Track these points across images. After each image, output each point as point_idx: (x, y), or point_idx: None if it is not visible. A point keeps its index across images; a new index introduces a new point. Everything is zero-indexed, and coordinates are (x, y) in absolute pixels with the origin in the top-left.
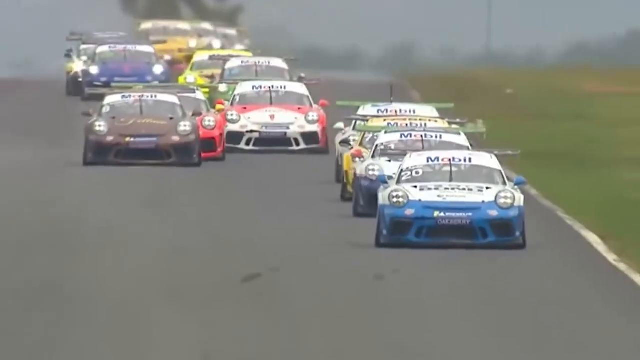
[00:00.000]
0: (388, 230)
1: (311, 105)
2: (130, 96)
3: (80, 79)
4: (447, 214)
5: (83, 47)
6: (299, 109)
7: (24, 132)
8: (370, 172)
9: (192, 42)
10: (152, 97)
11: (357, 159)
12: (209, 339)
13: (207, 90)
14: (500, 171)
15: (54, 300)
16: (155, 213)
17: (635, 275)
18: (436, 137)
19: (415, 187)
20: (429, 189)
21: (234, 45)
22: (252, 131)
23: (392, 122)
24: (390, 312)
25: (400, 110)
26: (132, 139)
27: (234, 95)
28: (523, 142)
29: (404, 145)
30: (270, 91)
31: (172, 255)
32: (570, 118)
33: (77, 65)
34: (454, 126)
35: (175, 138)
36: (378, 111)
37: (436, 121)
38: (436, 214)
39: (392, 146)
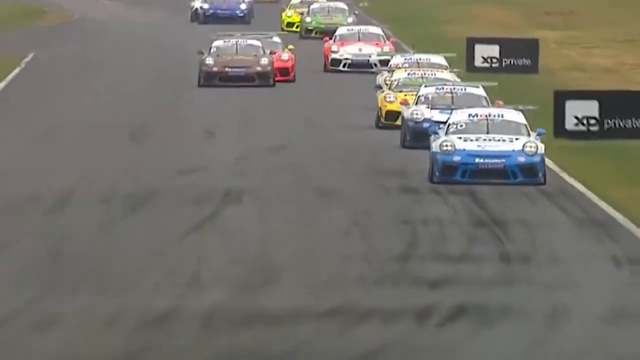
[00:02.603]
0: (439, 172)
1: (385, 41)
2: (229, 41)
3: (199, 11)
4: (486, 159)
5: None
6: (377, 44)
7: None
8: (415, 116)
9: None
10: (244, 42)
11: (404, 106)
12: None
13: (299, 21)
14: (525, 125)
15: None
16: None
17: None
18: (461, 89)
19: (460, 138)
20: (471, 140)
21: None
22: (346, 59)
23: (412, 72)
24: None
25: (420, 59)
26: (229, 69)
27: (335, 35)
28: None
29: (437, 96)
30: (358, 32)
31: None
32: None
33: (197, 3)
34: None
35: (258, 68)
36: (404, 59)
37: (442, 71)
38: (477, 159)
39: (430, 97)
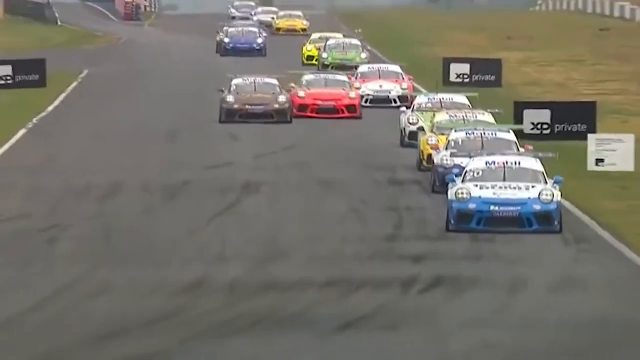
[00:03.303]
0: (455, 220)
1: (403, 78)
2: (247, 79)
3: (222, 44)
4: (501, 207)
5: (225, 28)
6: (396, 81)
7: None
8: (444, 162)
9: (307, 23)
10: (261, 80)
11: (435, 151)
12: None
13: (316, 55)
14: (542, 172)
15: None
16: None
17: None
18: (492, 134)
19: (476, 185)
20: (487, 187)
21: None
22: (368, 94)
23: (453, 115)
24: None
25: (443, 98)
26: (249, 107)
27: (357, 73)
28: None
29: (467, 140)
30: (379, 70)
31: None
32: None
33: (220, 37)
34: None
35: (276, 106)
36: (427, 99)
37: (483, 113)
38: (492, 207)
39: (460, 141)
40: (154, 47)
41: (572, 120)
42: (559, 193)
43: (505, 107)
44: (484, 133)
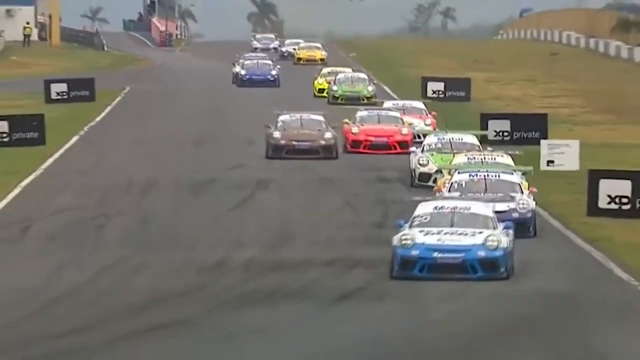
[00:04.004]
0: (398, 266)
1: (427, 115)
2: (294, 115)
3: (238, 75)
4: (444, 254)
5: (240, 60)
6: (420, 117)
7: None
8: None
9: (325, 54)
10: (307, 116)
11: (437, 193)
12: None
13: (327, 88)
14: (492, 218)
15: None
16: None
17: None
18: (495, 175)
19: (422, 231)
20: (432, 233)
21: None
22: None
23: (471, 157)
24: None
25: (452, 138)
26: (296, 143)
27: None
28: None
29: (471, 182)
30: (403, 107)
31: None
32: None
33: (237, 69)
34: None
35: (322, 142)
36: (437, 139)
37: (502, 156)
38: (435, 254)
39: (463, 183)
40: (183, 69)
41: (528, 129)
42: (507, 239)
43: (473, 119)
44: (488, 175)
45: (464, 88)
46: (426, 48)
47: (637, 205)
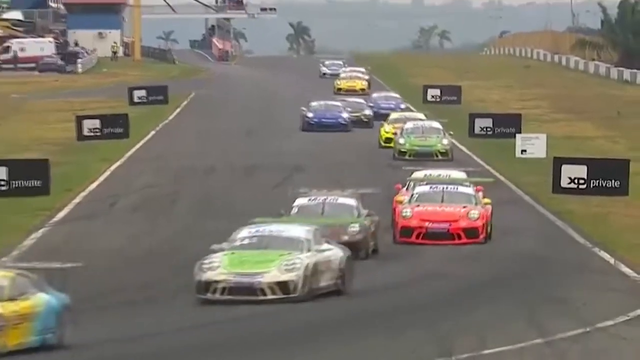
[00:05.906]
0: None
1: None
2: (315, 199)
3: (305, 119)
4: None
5: (309, 103)
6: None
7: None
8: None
9: (366, 83)
10: (333, 200)
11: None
12: None
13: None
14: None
15: None
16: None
17: None
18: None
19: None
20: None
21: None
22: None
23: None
24: None
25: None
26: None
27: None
28: None
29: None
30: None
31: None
32: None
33: (305, 112)
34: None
35: (345, 237)
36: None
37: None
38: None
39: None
40: (237, 79)
41: (506, 125)
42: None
43: (463, 118)
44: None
45: (456, 93)
46: (426, 62)
47: (592, 185)
